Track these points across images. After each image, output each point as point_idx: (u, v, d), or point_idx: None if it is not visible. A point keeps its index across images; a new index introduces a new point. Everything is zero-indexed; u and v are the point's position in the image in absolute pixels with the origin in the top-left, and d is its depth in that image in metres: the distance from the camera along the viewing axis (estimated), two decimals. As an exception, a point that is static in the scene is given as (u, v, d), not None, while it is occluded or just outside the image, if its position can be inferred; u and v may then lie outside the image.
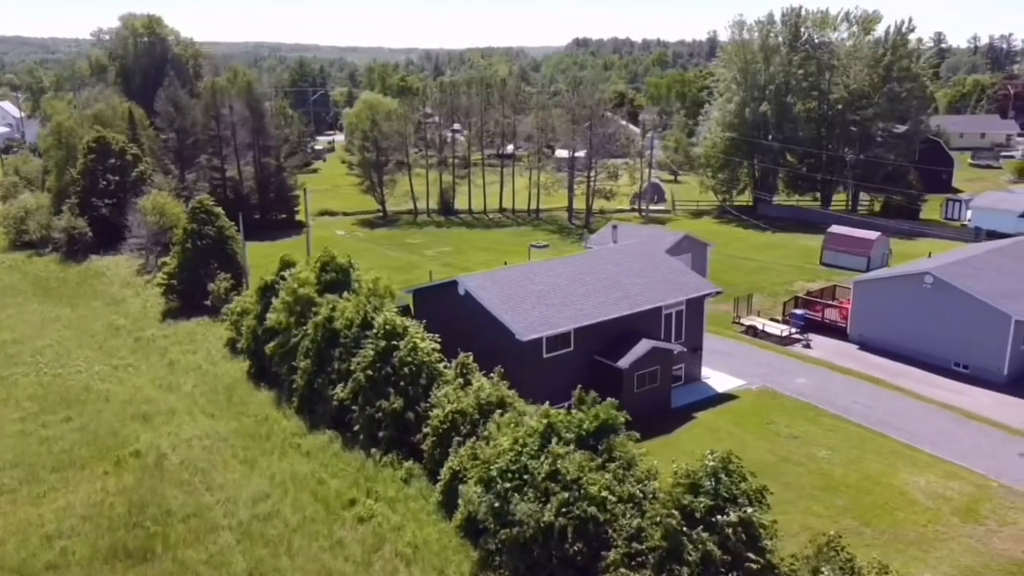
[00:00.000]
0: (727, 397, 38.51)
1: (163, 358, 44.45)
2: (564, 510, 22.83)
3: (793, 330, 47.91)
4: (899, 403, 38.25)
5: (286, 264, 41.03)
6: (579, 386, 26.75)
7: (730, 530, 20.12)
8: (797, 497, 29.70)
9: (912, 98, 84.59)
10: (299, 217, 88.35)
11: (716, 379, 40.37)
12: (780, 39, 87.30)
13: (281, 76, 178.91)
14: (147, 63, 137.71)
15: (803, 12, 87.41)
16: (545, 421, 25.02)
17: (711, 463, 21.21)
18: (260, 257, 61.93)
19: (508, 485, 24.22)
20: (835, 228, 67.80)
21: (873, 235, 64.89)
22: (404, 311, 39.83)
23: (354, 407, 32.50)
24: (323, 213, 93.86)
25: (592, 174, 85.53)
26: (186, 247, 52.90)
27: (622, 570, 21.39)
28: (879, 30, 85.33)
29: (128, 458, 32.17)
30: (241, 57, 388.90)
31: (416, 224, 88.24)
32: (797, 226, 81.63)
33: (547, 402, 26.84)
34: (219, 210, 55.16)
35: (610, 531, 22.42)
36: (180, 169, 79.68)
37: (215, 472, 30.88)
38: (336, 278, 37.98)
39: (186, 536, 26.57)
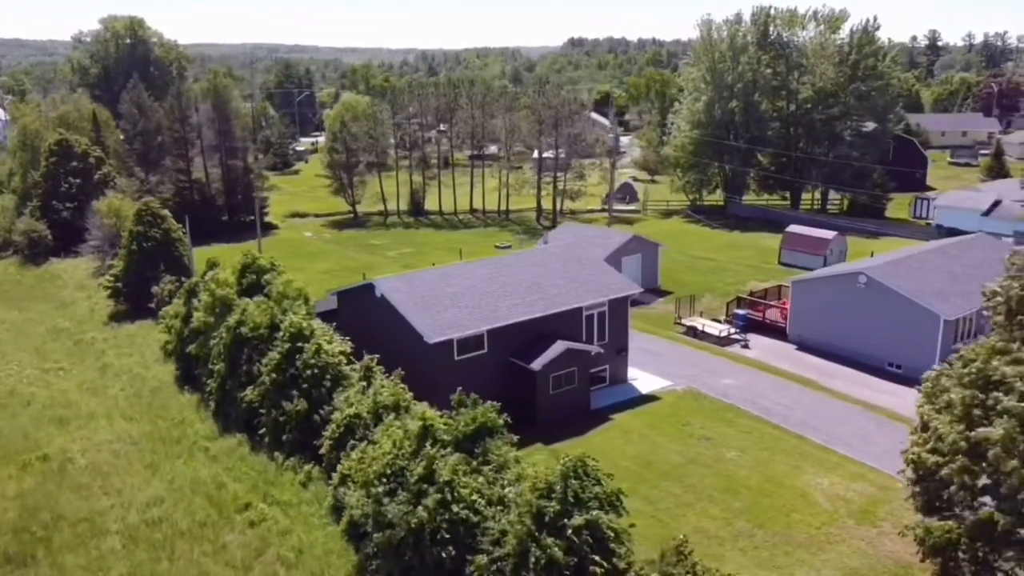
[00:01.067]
0: (650, 398, 38.35)
1: (97, 361, 44.49)
2: (436, 512, 22.73)
3: (732, 330, 47.76)
4: (824, 404, 38.06)
5: (211, 265, 40.99)
6: (459, 388, 26.59)
7: (575, 534, 20.01)
8: (696, 499, 29.56)
9: (879, 96, 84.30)
10: (268, 219, 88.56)
11: (643, 380, 40.21)
12: (749, 38, 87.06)
13: (269, 78, 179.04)
14: (129, 65, 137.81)
15: (772, 11, 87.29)
16: (420, 423, 24.93)
17: (562, 467, 21.08)
18: (221, 260, 62.19)
19: (383, 488, 24.16)
20: (792, 228, 67.65)
21: (829, 234, 64.70)
22: (330, 315, 39.89)
23: (262, 410, 32.50)
24: (294, 215, 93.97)
25: (564, 175, 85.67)
26: (132, 249, 52.92)
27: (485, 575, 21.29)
28: (845, 29, 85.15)
29: (35, 462, 32.17)
30: (238, 58, 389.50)
31: (385, 225, 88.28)
32: (765, 226, 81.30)
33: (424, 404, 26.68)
34: (165, 212, 55.24)
35: (478, 535, 22.31)
36: (145, 171, 79.74)
37: (116, 476, 30.88)
38: (256, 281, 37.94)
39: (71, 541, 26.55)
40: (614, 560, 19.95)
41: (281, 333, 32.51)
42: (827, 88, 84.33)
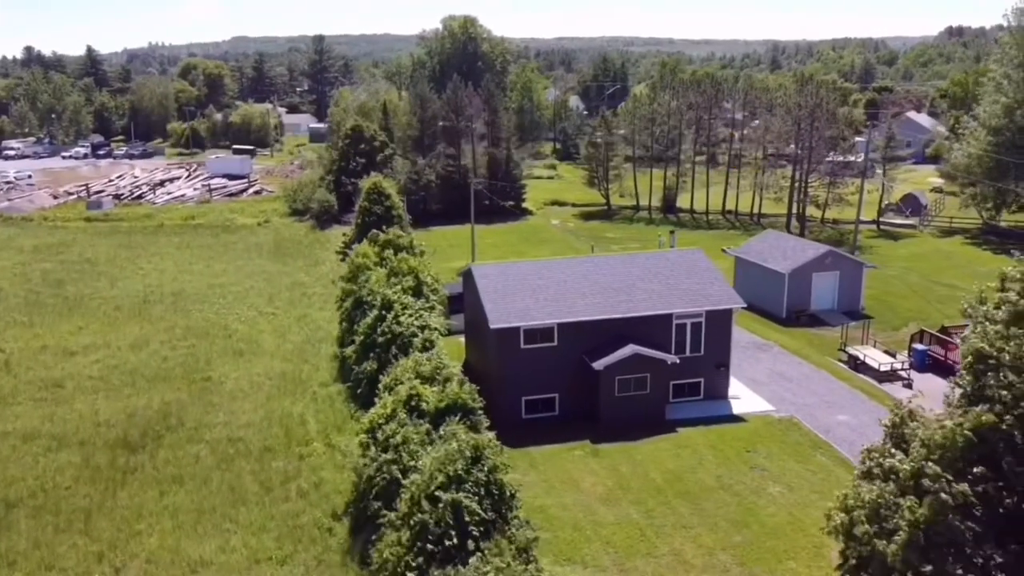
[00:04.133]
0: (737, 419, 36.35)
1: (301, 311, 53.37)
2: (379, 469, 25.58)
3: (897, 366, 42.39)
4: (938, 460, 32.88)
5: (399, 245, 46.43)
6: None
7: (444, 508, 21.54)
8: (699, 523, 28.29)
9: None
10: (525, 205, 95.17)
11: (744, 401, 38.07)
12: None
13: (584, 72, 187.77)
14: (460, 60, 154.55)
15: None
16: (407, 391, 27.71)
17: (458, 447, 22.59)
18: (456, 239, 70.42)
19: (361, 442, 27.53)
20: (1065, 259, 56.30)
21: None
22: (456, 297, 43.76)
23: (354, 366, 37.52)
24: (553, 202, 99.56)
25: (825, 180, 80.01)
26: (358, 222, 61.75)
27: (389, 530, 23.70)
28: None
29: (199, 381, 40.68)
30: (591, 52, 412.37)
31: (630, 220, 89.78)
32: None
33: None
34: (390, 192, 63.15)
35: (400, 493, 24.69)
36: (421, 155, 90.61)
37: (238, 401, 38.01)
38: (392, 255, 43.04)
39: (174, 441, 33.84)
40: (468, 540, 21.13)
41: (377, 303, 37.13)
42: None
